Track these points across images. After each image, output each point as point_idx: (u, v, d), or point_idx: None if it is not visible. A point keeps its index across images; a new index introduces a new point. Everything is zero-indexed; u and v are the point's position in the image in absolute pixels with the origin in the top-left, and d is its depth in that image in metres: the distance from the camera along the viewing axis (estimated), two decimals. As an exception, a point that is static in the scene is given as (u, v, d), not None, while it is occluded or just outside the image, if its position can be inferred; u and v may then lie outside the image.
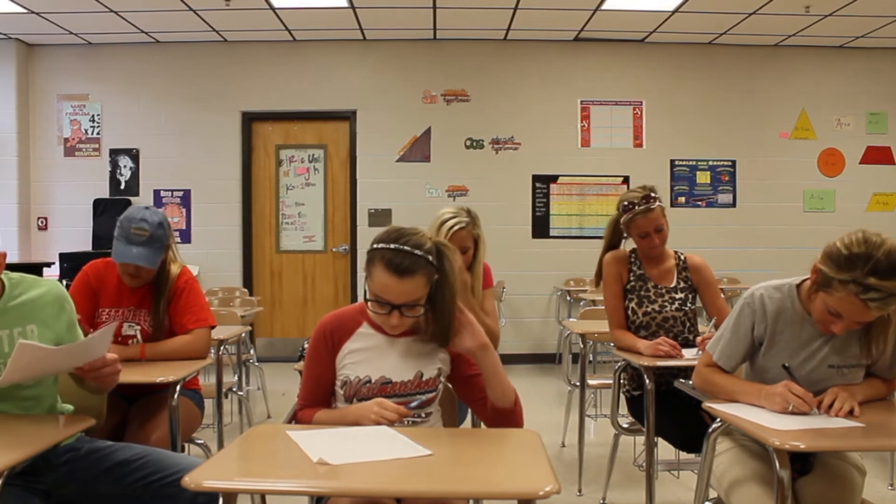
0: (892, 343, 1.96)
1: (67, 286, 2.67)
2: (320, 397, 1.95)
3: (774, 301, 2.03)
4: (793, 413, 1.83)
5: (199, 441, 2.82)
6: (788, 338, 2.02)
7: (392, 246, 1.82)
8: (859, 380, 2.00)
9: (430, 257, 1.84)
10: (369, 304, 1.87)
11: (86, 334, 2.07)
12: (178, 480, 1.77)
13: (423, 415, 1.93)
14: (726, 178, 7.33)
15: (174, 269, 2.78)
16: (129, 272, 2.67)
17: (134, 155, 7.17)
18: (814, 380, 1.96)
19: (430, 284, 1.85)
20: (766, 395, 1.90)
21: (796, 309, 2.02)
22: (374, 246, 1.86)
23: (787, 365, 1.96)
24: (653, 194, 2.95)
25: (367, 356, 1.92)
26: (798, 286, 2.04)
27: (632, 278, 3.03)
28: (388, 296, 1.82)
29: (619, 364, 3.02)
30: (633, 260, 3.06)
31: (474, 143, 7.20)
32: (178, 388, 2.45)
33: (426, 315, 1.90)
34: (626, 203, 2.97)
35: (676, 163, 7.30)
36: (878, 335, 1.95)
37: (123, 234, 2.63)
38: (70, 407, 2.11)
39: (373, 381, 1.90)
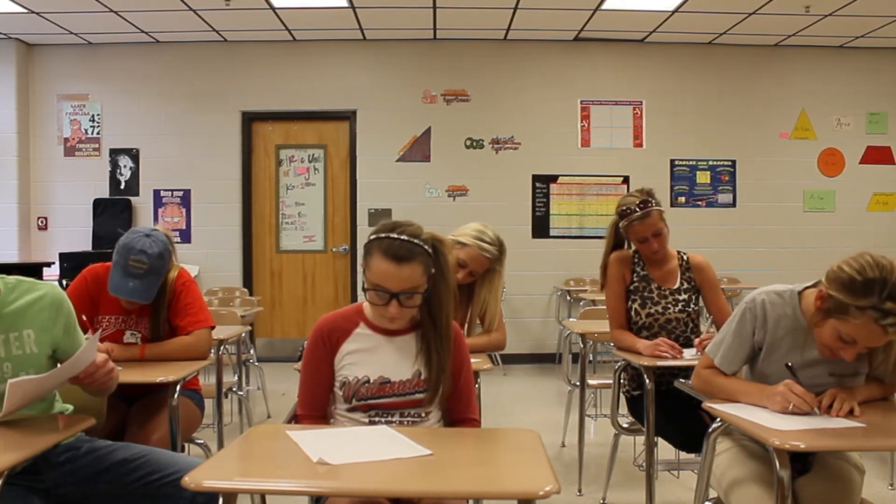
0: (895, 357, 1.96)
1: (67, 286, 2.68)
2: (320, 399, 1.95)
3: (776, 307, 2.01)
4: (793, 413, 1.83)
5: (199, 441, 2.82)
6: (789, 345, 2.01)
7: (390, 235, 1.85)
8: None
9: (427, 247, 1.87)
10: (368, 294, 1.88)
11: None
12: (177, 480, 1.78)
13: (423, 414, 1.93)
14: (726, 178, 7.33)
15: (172, 272, 2.76)
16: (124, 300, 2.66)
17: (134, 155, 7.16)
18: (814, 387, 1.94)
19: (428, 274, 1.87)
20: (767, 395, 1.90)
21: (797, 316, 2.00)
22: (372, 237, 1.89)
23: (790, 364, 1.95)
24: (650, 199, 2.93)
25: (365, 356, 1.92)
26: (800, 293, 2.02)
27: (635, 279, 3.02)
28: (387, 283, 1.83)
29: (619, 364, 3.02)
30: (636, 261, 3.05)
31: (474, 143, 7.20)
32: (177, 388, 2.45)
33: (423, 310, 1.92)
34: (623, 208, 2.96)
35: (676, 163, 7.30)
36: (880, 355, 1.94)
37: (121, 265, 2.57)
38: (70, 406, 2.11)
39: (371, 380, 1.90)
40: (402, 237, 1.85)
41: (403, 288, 1.83)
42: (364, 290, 1.89)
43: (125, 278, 2.56)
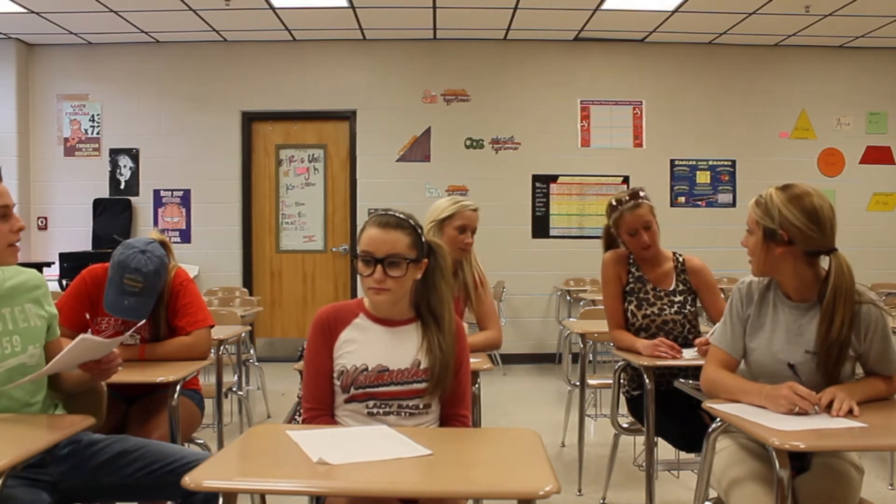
0: (880, 339, 1.97)
1: (67, 286, 2.69)
2: (324, 392, 1.94)
3: (761, 285, 2.15)
4: (798, 414, 1.83)
5: (199, 441, 2.82)
6: (768, 321, 2.08)
7: (381, 211, 1.98)
8: (838, 372, 1.99)
9: (413, 223, 1.96)
10: (357, 267, 1.93)
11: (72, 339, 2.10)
12: (179, 469, 1.81)
13: (422, 406, 1.93)
14: (726, 178, 7.33)
15: (169, 273, 2.75)
16: None
17: (134, 155, 7.17)
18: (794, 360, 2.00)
19: (417, 250, 1.92)
20: (769, 396, 1.90)
21: (778, 294, 2.10)
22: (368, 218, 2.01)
23: (792, 364, 1.96)
24: (641, 192, 2.98)
25: (363, 345, 1.93)
26: None
27: (630, 280, 3.02)
28: (372, 247, 1.89)
29: (619, 364, 3.02)
30: (631, 261, 3.06)
31: (474, 143, 7.20)
32: (177, 387, 2.45)
33: (423, 305, 1.96)
34: (613, 202, 3.02)
35: (676, 163, 7.30)
36: (863, 343, 1.97)
37: (116, 282, 2.56)
38: (58, 403, 2.12)
39: (369, 368, 1.90)
40: (391, 212, 1.96)
41: (388, 252, 1.88)
42: (352, 257, 1.95)
43: (120, 296, 2.55)
